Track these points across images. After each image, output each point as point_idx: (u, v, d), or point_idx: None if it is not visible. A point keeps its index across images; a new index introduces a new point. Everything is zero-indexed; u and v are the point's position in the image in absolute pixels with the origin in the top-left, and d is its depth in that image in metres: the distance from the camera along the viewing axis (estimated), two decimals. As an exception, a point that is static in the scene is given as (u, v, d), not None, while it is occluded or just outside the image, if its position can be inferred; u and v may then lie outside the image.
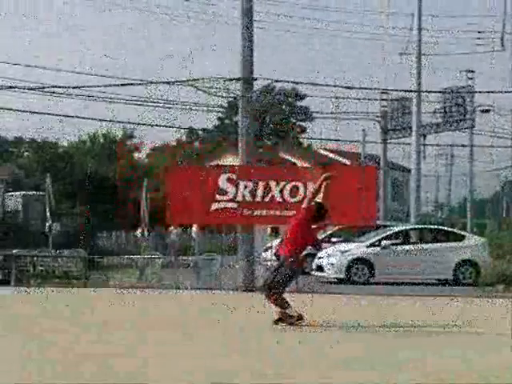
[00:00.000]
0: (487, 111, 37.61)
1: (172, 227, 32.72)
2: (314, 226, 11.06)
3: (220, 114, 66.66)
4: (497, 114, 35.47)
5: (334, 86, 23.44)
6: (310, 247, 11.28)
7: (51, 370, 7.40)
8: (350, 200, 18.06)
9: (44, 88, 23.29)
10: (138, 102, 26.25)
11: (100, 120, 59.61)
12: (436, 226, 30.05)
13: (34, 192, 31.46)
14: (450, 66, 58.33)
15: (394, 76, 78.64)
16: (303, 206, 11.23)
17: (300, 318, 10.69)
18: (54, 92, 23.55)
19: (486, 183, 57.06)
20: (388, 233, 24.39)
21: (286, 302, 10.83)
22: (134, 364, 7.77)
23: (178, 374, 7.33)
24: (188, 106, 28.14)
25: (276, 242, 22.85)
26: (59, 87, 23.67)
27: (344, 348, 8.99)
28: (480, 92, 38.36)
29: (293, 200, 17.77)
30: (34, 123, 63.44)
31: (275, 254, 11.59)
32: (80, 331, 10.30)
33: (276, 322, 10.75)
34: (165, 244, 35.21)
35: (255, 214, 18.31)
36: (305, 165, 45.50)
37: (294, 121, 75.44)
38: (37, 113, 29.45)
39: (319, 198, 11.06)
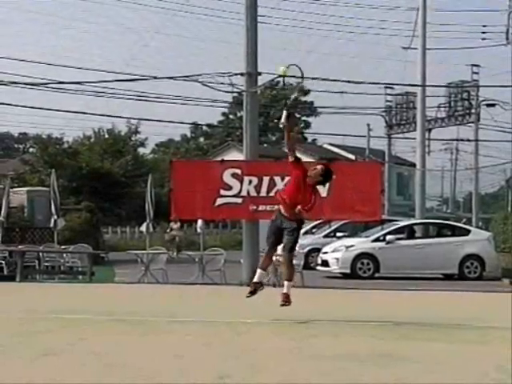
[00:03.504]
0: (492, 105, 37.52)
1: (172, 222, 32.68)
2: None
3: (225, 109, 66.78)
4: (502, 108, 35.31)
5: (339, 81, 23.31)
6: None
7: None
8: (355, 195, 18.09)
9: (48, 84, 23.29)
10: (143, 98, 26.24)
11: (105, 115, 59.68)
12: (441, 221, 30.03)
13: (39, 188, 31.50)
14: (454, 61, 58.13)
15: (399, 70, 78.53)
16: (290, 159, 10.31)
17: (261, 285, 10.50)
18: (59, 88, 23.57)
19: (491, 177, 56.85)
20: (393, 227, 24.38)
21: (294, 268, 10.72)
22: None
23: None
24: (193, 101, 28.03)
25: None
26: (63, 83, 23.68)
27: (347, 344, 8.98)
28: (485, 86, 38.39)
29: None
30: (38, 119, 63.56)
31: (274, 220, 10.82)
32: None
33: (284, 303, 10.35)
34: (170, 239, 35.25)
35: (260, 209, 18.32)
36: (309, 160, 45.50)
37: (299, 116, 75.44)
38: (41, 108, 29.56)
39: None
